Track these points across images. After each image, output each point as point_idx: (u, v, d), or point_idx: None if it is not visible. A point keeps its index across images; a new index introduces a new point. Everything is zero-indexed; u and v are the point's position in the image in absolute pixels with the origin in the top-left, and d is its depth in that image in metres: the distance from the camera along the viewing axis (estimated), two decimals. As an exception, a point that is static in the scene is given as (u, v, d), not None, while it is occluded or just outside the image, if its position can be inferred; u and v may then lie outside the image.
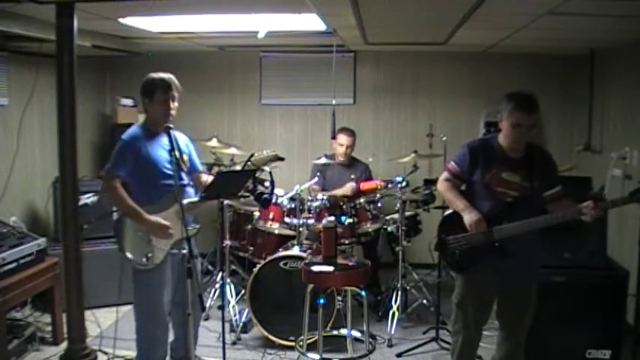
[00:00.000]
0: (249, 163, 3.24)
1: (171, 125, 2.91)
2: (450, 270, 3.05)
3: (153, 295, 3.00)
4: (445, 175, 2.95)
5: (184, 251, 2.74)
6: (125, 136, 3.04)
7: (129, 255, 2.94)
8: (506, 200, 2.77)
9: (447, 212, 3.00)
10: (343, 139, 4.77)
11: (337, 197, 4.43)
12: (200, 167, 3.33)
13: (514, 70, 5.35)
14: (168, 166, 2.97)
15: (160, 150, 3.01)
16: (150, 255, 2.93)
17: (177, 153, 2.84)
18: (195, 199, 3.10)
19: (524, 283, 2.86)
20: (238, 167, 3.70)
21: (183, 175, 3.09)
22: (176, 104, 3.06)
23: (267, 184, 3.80)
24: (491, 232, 2.76)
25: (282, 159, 3.42)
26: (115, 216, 3.06)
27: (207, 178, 3.25)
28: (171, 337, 3.31)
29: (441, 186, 2.95)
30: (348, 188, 4.66)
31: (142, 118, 5.39)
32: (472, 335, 2.97)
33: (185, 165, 3.12)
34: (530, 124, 2.66)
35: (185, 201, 2.92)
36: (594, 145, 4.79)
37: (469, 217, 2.77)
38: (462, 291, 2.95)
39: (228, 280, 4.29)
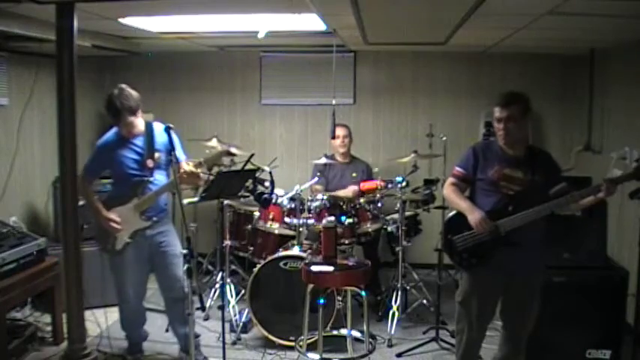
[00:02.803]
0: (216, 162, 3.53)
1: (171, 125, 2.95)
2: (459, 269, 3.05)
3: (116, 276, 3.47)
4: (450, 179, 3.02)
5: (185, 251, 2.75)
6: (100, 142, 3.43)
7: (97, 242, 3.45)
8: (508, 194, 2.82)
9: (451, 213, 3.01)
10: (338, 131, 4.76)
11: (338, 197, 4.43)
12: (182, 158, 3.42)
13: (514, 70, 5.35)
14: (136, 165, 3.32)
15: (128, 152, 3.34)
16: (112, 242, 3.34)
17: (177, 153, 2.88)
18: (195, 199, 3.11)
19: (529, 284, 2.87)
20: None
21: (154, 172, 3.35)
22: (131, 119, 3.30)
23: (267, 184, 3.81)
24: (496, 227, 2.79)
25: (233, 154, 3.71)
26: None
27: (189, 167, 3.36)
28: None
29: (446, 190, 3.01)
30: (350, 190, 4.66)
31: (145, 117, 5.46)
32: (475, 334, 2.98)
33: (154, 162, 3.34)
34: (507, 117, 2.79)
35: (185, 201, 2.93)
36: (594, 145, 4.79)
37: (473, 216, 2.82)
38: (466, 289, 2.97)
39: (228, 280, 4.29)
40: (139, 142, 3.36)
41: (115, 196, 3.42)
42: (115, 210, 3.33)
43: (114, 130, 3.40)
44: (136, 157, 3.34)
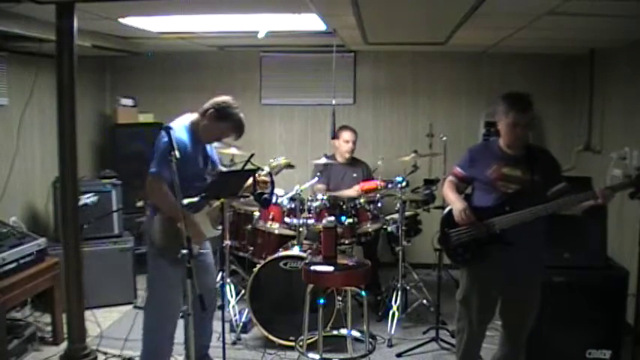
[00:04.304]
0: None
1: (171, 126, 2.89)
2: (454, 264, 3.05)
3: (172, 287, 3.03)
4: (449, 177, 3.07)
5: (184, 251, 2.74)
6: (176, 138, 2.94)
7: (166, 250, 2.95)
8: (507, 192, 2.82)
9: (448, 208, 3.02)
10: (348, 135, 4.77)
11: (340, 197, 4.43)
12: (219, 165, 3.44)
13: (514, 70, 5.36)
14: (199, 173, 3.11)
15: (198, 158, 3.12)
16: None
17: (176, 153, 2.83)
18: (194, 199, 3.09)
19: (528, 283, 2.87)
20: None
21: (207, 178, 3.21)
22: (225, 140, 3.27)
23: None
24: (492, 223, 2.79)
25: (293, 166, 3.67)
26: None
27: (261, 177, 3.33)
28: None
29: (444, 187, 3.06)
30: (354, 190, 4.67)
31: (144, 117, 5.48)
32: (475, 333, 2.98)
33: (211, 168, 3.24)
34: (525, 122, 2.77)
35: (185, 201, 2.91)
36: (594, 145, 4.79)
37: (455, 207, 2.87)
38: (466, 288, 2.98)
39: (228, 280, 4.29)
40: (203, 150, 3.20)
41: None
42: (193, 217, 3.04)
43: (186, 125, 3.07)
44: (202, 164, 3.18)
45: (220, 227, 3.28)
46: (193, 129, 3.09)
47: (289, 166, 3.63)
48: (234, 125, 3.10)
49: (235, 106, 3.10)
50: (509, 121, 2.77)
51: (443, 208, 4.50)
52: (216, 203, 3.16)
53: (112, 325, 4.15)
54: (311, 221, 4.04)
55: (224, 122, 3.07)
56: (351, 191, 4.66)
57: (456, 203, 2.88)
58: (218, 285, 4.43)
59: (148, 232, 3.08)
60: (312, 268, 3.12)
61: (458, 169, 3.02)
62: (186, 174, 2.90)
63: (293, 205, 4.08)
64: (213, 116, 3.06)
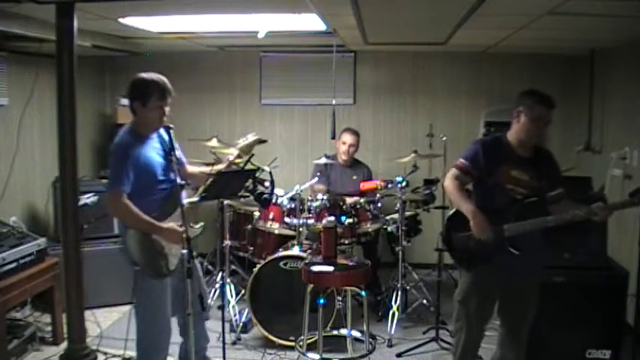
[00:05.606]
0: (225, 158, 3.22)
1: (171, 125, 2.88)
2: (457, 267, 3.03)
3: (160, 302, 2.92)
4: (453, 172, 2.88)
5: (184, 251, 2.73)
6: (119, 145, 2.82)
7: (146, 267, 2.81)
8: (515, 197, 2.79)
9: (454, 210, 2.97)
10: (346, 137, 4.80)
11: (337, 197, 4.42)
12: (185, 160, 3.18)
13: (514, 70, 5.36)
14: (162, 170, 2.88)
15: (153, 154, 2.88)
16: (165, 263, 2.84)
17: (177, 153, 2.82)
18: (194, 199, 3.09)
19: (528, 283, 2.87)
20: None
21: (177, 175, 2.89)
22: (168, 108, 2.92)
23: (267, 184, 3.81)
24: (501, 231, 2.77)
25: (265, 141, 3.45)
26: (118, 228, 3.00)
27: (193, 169, 3.21)
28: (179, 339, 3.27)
29: (449, 184, 2.86)
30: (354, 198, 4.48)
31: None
32: (474, 333, 2.97)
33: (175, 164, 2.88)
34: (548, 119, 2.75)
35: (185, 202, 2.91)
36: (594, 145, 4.79)
37: (475, 222, 2.74)
38: (465, 288, 2.95)
39: (228, 280, 4.29)
40: (156, 142, 2.93)
41: (146, 210, 2.78)
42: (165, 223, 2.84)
43: (125, 130, 2.89)
44: (160, 159, 2.89)
45: (199, 226, 3.13)
46: (135, 129, 2.88)
47: (261, 141, 3.40)
48: (160, 93, 2.85)
49: (142, 76, 2.87)
50: (534, 115, 2.72)
51: (443, 208, 4.54)
52: (186, 202, 2.92)
53: (112, 325, 4.15)
54: (311, 221, 4.04)
55: (152, 99, 2.83)
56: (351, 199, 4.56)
57: (476, 218, 2.72)
58: (218, 285, 4.48)
59: (124, 249, 2.83)
60: (312, 268, 3.12)
61: (465, 164, 2.84)
62: (153, 179, 2.83)
63: (293, 205, 4.08)
64: (141, 105, 2.84)
